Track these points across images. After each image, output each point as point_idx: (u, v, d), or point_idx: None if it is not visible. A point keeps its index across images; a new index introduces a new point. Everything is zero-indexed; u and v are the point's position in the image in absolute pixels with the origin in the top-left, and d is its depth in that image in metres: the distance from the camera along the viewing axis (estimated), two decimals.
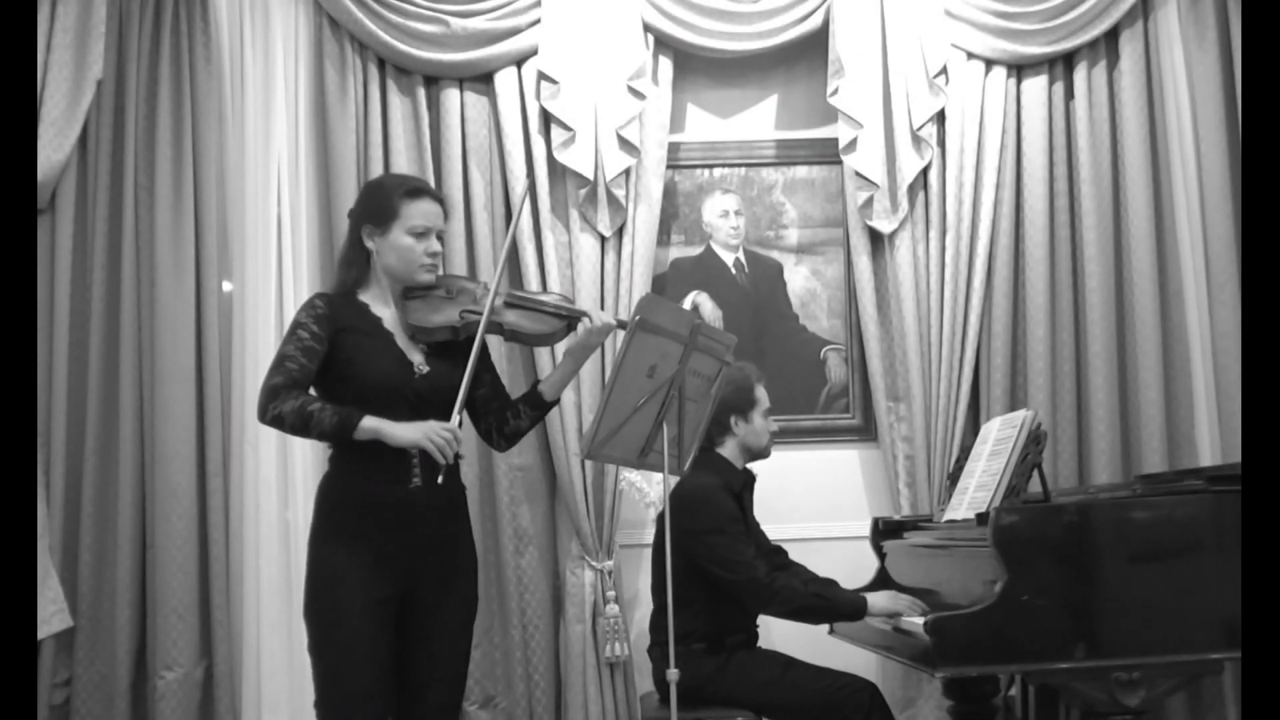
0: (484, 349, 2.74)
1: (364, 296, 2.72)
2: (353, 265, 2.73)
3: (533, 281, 4.13)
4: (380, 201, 2.70)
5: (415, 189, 2.72)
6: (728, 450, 3.50)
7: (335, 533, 2.60)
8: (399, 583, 2.60)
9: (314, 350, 2.57)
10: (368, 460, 2.58)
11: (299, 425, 2.51)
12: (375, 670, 2.55)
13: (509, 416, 2.81)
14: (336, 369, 2.61)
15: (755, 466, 3.59)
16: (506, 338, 2.81)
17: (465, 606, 2.74)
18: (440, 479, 2.54)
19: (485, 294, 2.73)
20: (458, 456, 2.60)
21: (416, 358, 2.68)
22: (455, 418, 2.55)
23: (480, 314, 2.66)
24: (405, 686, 2.65)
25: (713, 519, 3.33)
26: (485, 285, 2.79)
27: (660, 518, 3.57)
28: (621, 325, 2.86)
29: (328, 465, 2.69)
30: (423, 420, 2.56)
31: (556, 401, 2.84)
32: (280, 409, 2.50)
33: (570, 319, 2.78)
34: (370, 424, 2.51)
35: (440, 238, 2.73)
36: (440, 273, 2.75)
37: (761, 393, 3.53)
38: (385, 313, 2.71)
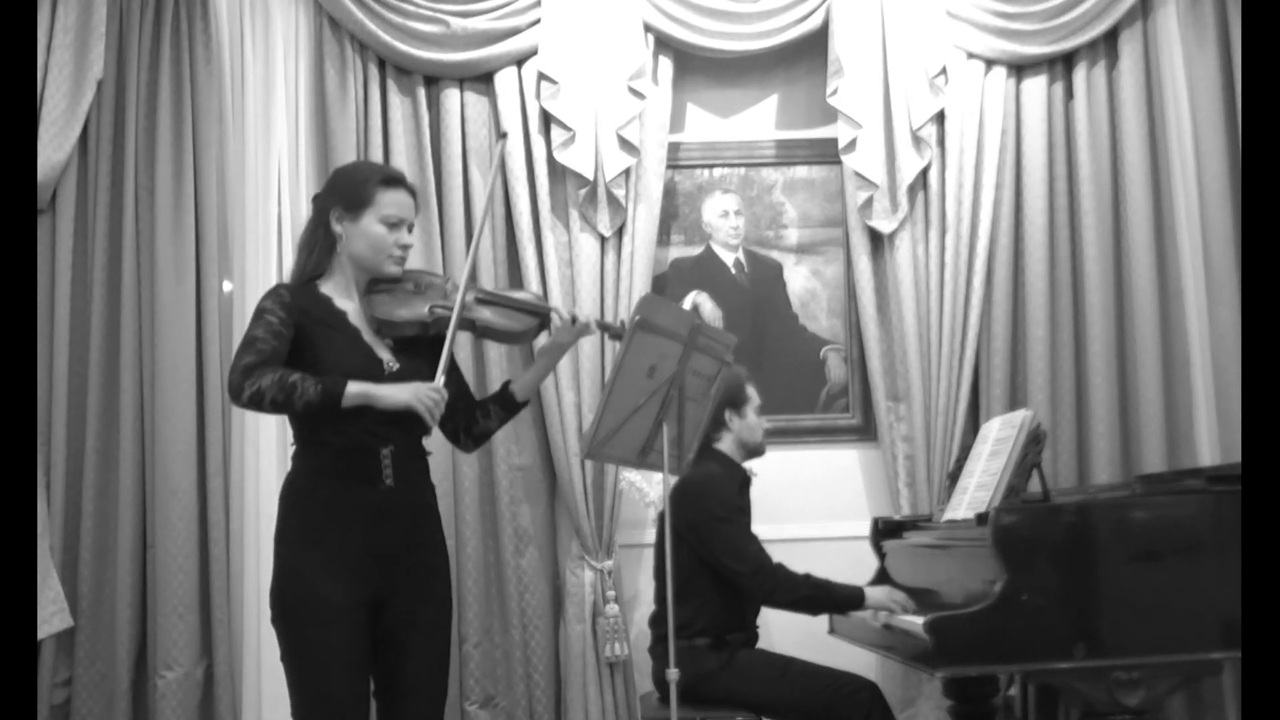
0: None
1: (325, 288, 2.60)
2: (315, 250, 2.61)
3: (533, 282, 4.13)
4: (354, 186, 2.59)
5: (392, 177, 2.62)
6: (725, 446, 3.53)
7: (306, 535, 2.49)
8: (375, 587, 2.49)
9: (282, 334, 2.47)
10: (337, 458, 2.50)
11: (280, 398, 2.39)
12: (356, 679, 2.46)
13: (478, 416, 2.72)
14: (303, 364, 2.48)
15: (754, 465, 3.60)
16: (478, 334, 2.73)
17: (443, 612, 2.63)
18: (427, 435, 2.52)
19: (454, 290, 2.63)
20: (425, 452, 2.56)
21: (385, 354, 2.58)
22: (440, 378, 2.49)
23: (451, 309, 2.58)
24: (384, 697, 2.56)
25: (721, 507, 3.36)
26: (453, 282, 2.70)
27: (662, 514, 3.58)
28: (604, 328, 2.82)
29: (291, 463, 2.58)
30: (394, 422, 2.48)
31: (527, 402, 2.75)
32: (259, 383, 2.39)
33: (543, 317, 2.71)
34: (357, 388, 2.42)
35: (411, 230, 2.63)
36: (405, 267, 2.65)
37: (752, 390, 3.56)
38: (349, 306, 2.60)
